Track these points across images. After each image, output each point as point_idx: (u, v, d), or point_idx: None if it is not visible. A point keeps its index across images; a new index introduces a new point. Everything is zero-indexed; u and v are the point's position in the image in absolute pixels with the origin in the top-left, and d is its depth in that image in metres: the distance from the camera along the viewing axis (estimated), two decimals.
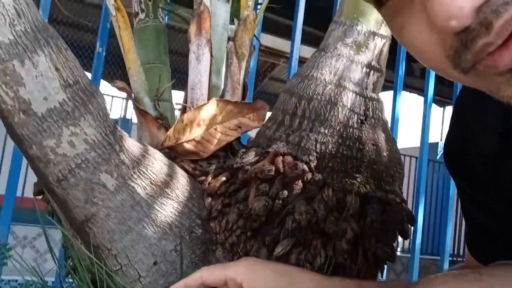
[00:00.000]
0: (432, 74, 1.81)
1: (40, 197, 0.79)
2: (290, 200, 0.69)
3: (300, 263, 0.68)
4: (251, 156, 0.76)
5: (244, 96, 0.90)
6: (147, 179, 0.70)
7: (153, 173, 0.71)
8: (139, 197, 0.68)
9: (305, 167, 0.69)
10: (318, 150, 0.72)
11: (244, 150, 0.80)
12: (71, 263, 0.79)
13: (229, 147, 0.85)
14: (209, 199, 0.76)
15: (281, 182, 0.70)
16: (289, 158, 0.71)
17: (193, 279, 0.63)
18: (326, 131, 0.73)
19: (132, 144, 0.70)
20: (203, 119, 0.83)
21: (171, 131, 0.81)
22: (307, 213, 0.65)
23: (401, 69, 1.78)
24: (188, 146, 0.82)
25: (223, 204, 0.75)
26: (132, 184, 0.68)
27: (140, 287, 0.69)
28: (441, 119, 7.24)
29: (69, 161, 0.64)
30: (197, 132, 0.82)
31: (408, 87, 5.45)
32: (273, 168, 0.70)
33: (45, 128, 0.62)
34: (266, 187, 0.70)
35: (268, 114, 0.87)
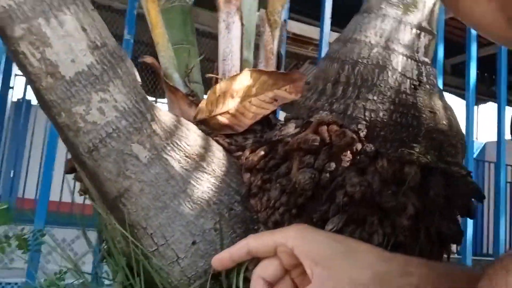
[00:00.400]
0: (473, 73, 1.74)
1: (72, 175, 0.75)
2: (339, 173, 0.63)
3: None
4: (291, 128, 0.70)
5: (278, 67, 0.85)
6: (182, 151, 0.64)
7: (187, 145, 0.65)
8: (174, 170, 0.63)
9: (354, 136, 0.62)
10: (367, 118, 0.65)
11: (282, 122, 0.74)
12: (105, 247, 0.74)
13: (265, 121, 0.80)
14: (248, 175, 0.70)
15: (328, 153, 0.64)
16: (335, 127, 0.64)
17: (238, 248, 0.57)
18: (375, 97, 0.67)
19: (163, 114, 0.65)
20: (237, 90, 0.77)
21: (203, 103, 0.76)
22: (361, 185, 0.59)
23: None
24: (222, 119, 0.76)
25: (263, 180, 0.69)
26: (166, 156, 0.63)
27: (179, 270, 0.63)
28: (476, 118, 7.08)
29: (100, 129, 0.58)
30: (231, 105, 0.77)
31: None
32: (318, 137, 0.64)
33: (73, 93, 0.57)
34: (310, 159, 0.64)
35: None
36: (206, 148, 0.67)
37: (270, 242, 0.55)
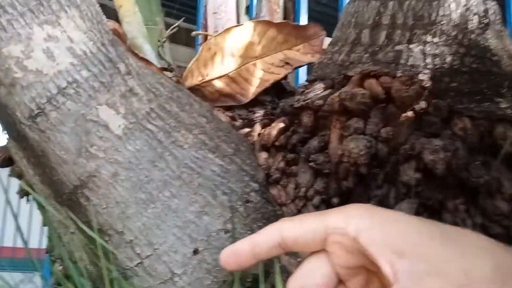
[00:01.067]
0: None
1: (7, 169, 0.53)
2: (401, 141, 0.44)
3: None
4: (319, 90, 0.51)
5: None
6: (172, 119, 0.44)
7: (180, 110, 0.45)
8: (162, 146, 0.43)
9: (424, 83, 0.44)
10: (430, 66, 0.47)
11: (305, 84, 0.55)
12: (59, 267, 0.52)
13: (276, 89, 0.61)
14: (264, 155, 0.51)
15: (382, 114, 0.45)
16: (387, 79, 0.46)
17: (265, 236, 0.35)
18: (435, 39, 0.49)
19: (142, 66, 0.45)
20: (237, 47, 0.58)
21: (193, 63, 0.56)
22: (446, 150, 0.40)
23: None
24: (220, 84, 0.56)
25: (287, 161, 0.50)
26: (150, 126, 0.42)
27: None
28: None
29: (47, 82, 0.38)
30: (230, 65, 0.57)
31: None
32: (368, 92, 0.45)
33: (3, 24, 0.36)
34: (359, 123, 0.45)
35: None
36: (206, 116, 0.47)
37: (318, 227, 0.34)
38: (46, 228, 0.58)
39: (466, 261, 0.30)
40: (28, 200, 0.54)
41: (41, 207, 0.50)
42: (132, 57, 0.44)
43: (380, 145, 0.44)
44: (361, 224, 0.32)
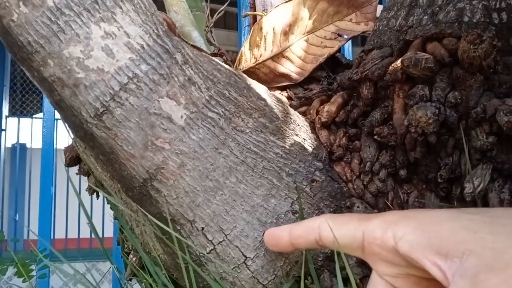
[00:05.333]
0: None
1: (76, 167, 0.55)
2: (470, 105, 0.42)
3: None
4: (377, 59, 0.49)
5: None
6: (232, 105, 0.44)
7: (238, 95, 0.45)
8: (224, 133, 0.43)
9: (493, 42, 0.41)
10: (496, 22, 0.44)
11: (361, 55, 0.53)
12: (134, 259, 0.54)
13: (330, 63, 0.59)
14: (325, 132, 0.50)
15: (447, 78, 0.43)
16: (452, 40, 0.43)
17: (305, 229, 0.37)
18: None
19: (198, 54, 0.45)
20: (288, 24, 0.56)
21: (246, 46, 0.55)
22: None
23: None
24: (276, 65, 0.55)
25: (349, 137, 0.49)
26: (211, 114, 0.42)
27: (249, 276, 0.43)
28: None
29: (110, 80, 0.38)
30: (283, 44, 0.56)
31: None
32: (431, 57, 0.43)
33: (62, 26, 0.37)
34: (424, 89, 0.43)
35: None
36: (265, 99, 0.47)
37: (356, 233, 0.33)
38: (115, 221, 0.60)
39: None
40: (98, 196, 0.56)
41: (111, 202, 0.51)
42: (187, 46, 0.44)
43: (448, 111, 0.42)
44: (399, 231, 0.30)
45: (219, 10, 0.71)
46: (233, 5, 1.54)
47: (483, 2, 0.46)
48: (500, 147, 0.41)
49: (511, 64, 0.42)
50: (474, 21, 0.45)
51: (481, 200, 0.40)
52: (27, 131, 4.63)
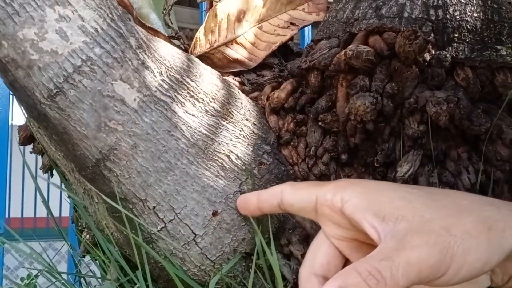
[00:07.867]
0: None
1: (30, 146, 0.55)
2: (406, 95, 0.46)
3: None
4: (325, 50, 0.52)
5: None
6: (184, 89, 0.46)
7: (190, 80, 0.47)
8: (177, 117, 0.45)
9: (427, 37, 0.45)
10: (432, 18, 0.48)
11: (310, 45, 0.56)
12: (87, 237, 0.55)
13: (283, 51, 0.61)
14: (275, 117, 0.52)
15: (387, 70, 0.46)
16: (391, 35, 0.47)
17: (269, 196, 0.41)
18: None
19: (152, 39, 0.46)
20: (242, 12, 0.58)
21: (200, 32, 0.57)
22: (449, 101, 0.42)
23: None
24: (230, 51, 0.57)
25: (296, 122, 0.52)
26: (163, 97, 0.44)
27: (198, 252, 0.46)
28: None
29: (63, 62, 0.39)
30: (237, 30, 0.58)
31: None
32: (372, 50, 0.46)
33: (16, 8, 0.38)
34: (364, 80, 0.46)
35: None
36: (217, 84, 0.49)
37: (310, 197, 0.37)
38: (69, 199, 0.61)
39: (447, 219, 0.31)
40: (52, 174, 0.57)
41: (65, 180, 0.53)
42: (141, 30, 0.45)
43: (385, 101, 0.45)
44: (346, 195, 0.35)
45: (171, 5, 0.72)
46: None
47: (422, 0, 0.49)
48: (432, 135, 0.45)
49: (444, 58, 0.45)
50: (413, 16, 0.48)
51: (412, 183, 0.44)
52: None
